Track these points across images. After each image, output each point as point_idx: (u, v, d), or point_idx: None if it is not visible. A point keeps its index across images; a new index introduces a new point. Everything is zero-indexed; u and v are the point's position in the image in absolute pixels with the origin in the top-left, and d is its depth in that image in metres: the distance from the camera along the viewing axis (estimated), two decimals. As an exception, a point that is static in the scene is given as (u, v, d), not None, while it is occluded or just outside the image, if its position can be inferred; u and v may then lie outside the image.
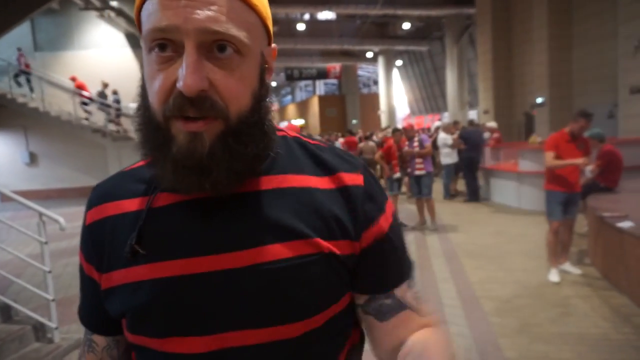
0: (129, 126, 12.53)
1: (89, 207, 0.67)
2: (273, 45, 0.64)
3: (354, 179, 0.64)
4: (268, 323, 0.57)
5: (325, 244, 0.59)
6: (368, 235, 0.63)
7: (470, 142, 8.67)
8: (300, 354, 0.60)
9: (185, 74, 0.50)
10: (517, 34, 15.50)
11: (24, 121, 12.63)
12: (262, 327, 0.57)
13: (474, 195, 8.87)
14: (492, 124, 11.08)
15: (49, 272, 3.23)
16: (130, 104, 12.36)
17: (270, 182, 0.62)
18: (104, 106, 12.23)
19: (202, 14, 0.50)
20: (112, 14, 12.14)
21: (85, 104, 12.32)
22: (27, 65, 12.20)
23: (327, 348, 0.63)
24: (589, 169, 5.07)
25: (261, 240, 0.58)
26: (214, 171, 0.54)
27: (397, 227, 0.68)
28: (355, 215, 0.62)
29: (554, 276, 4.12)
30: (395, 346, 0.65)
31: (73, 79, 12.27)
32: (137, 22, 0.58)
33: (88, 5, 11.49)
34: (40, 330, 3.26)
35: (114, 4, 11.87)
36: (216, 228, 0.59)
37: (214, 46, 0.52)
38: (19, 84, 12.20)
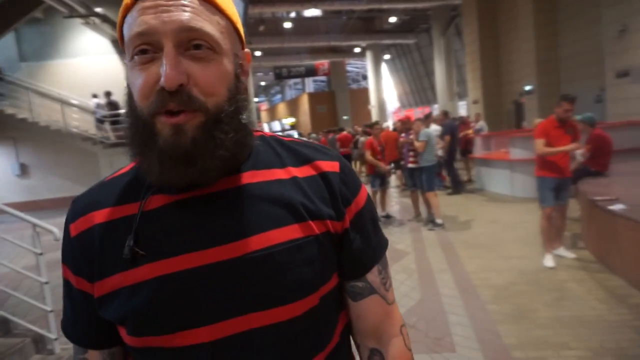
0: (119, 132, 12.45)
1: (73, 219, 0.67)
2: (246, 50, 0.68)
3: (331, 166, 0.70)
4: (271, 304, 0.60)
5: (313, 225, 0.64)
6: (347, 215, 0.69)
7: (447, 133, 8.56)
8: (303, 333, 0.64)
9: (165, 70, 0.54)
10: (503, 23, 15.57)
11: (13, 133, 12.52)
12: (265, 309, 0.60)
13: (459, 186, 8.79)
14: (463, 113, 11.17)
15: (46, 283, 3.22)
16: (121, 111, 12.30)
17: (255, 176, 0.66)
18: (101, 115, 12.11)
19: (178, 15, 0.55)
20: (97, 21, 12.00)
21: (101, 122, 12.06)
22: None
23: (324, 326, 0.68)
24: (580, 153, 5.12)
25: (254, 229, 0.61)
26: (199, 160, 0.57)
27: (370, 210, 0.73)
28: (335, 197, 0.68)
29: (549, 261, 4.17)
30: (363, 331, 0.74)
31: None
32: (119, 38, 0.61)
33: (72, 13, 11.35)
34: (40, 342, 3.25)
35: (98, 10, 11.75)
36: (210, 223, 0.61)
37: (191, 45, 0.56)
38: None
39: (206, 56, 0.57)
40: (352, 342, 0.78)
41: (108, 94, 12.22)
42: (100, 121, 12.18)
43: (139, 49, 0.56)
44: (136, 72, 0.57)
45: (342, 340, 0.72)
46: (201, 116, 0.57)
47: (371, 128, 7.18)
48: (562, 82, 13.03)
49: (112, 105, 12.18)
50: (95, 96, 12.23)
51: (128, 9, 0.58)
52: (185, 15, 0.55)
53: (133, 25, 0.56)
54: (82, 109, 12.57)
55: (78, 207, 0.68)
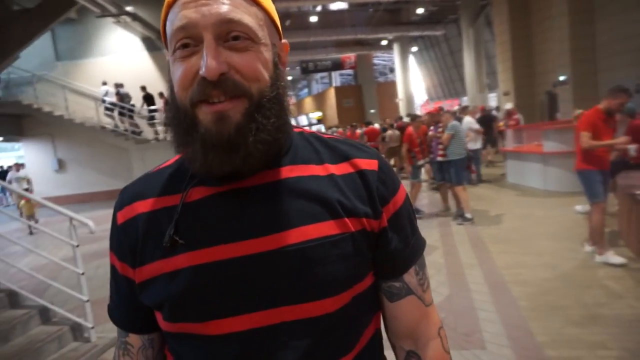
0: (145, 127, 12.74)
1: (120, 208, 0.70)
2: (284, 40, 0.69)
3: (369, 164, 0.69)
4: (304, 299, 0.61)
5: (349, 222, 0.64)
6: (385, 214, 0.68)
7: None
8: (334, 331, 0.64)
9: (206, 60, 0.56)
10: (536, 12, 15.05)
11: (50, 129, 13.04)
12: (298, 303, 0.60)
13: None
14: (509, 105, 10.95)
15: (82, 274, 3.34)
16: (151, 107, 12.59)
17: (293, 171, 0.66)
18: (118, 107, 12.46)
19: (217, 8, 0.57)
20: (128, 19, 12.31)
21: (109, 109, 12.56)
22: None
23: (356, 326, 0.67)
24: (634, 148, 4.82)
25: (290, 223, 0.62)
26: (242, 146, 0.58)
27: (407, 210, 0.73)
28: (372, 196, 0.67)
29: (615, 259, 3.89)
30: (400, 332, 0.73)
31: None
32: (162, 35, 0.64)
33: (104, 12, 11.68)
34: (77, 330, 3.38)
35: (129, 9, 12.04)
36: (249, 215, 0.63)
37: (230, 37, 0.58)
38: None
39: (245, 46, 0.59)
40: (385, 347, 0.76)
41: (118, 86, 12.53)
42: (109, 109, 12.53)
43: (181, 43, 0.58)
44: (177, 65, 0.59)
45: (371, 344, 0.71)
46: (245, 102, 0.58)
47: (412, 121, 7.13)
48: (598, 71, 12.50)
49: (120, 96, 12.50)
50: (104, 83, 12.53)
51: (170, 5, 0.60)
52: (224, 8, 0.57)
53: (175, 20, 0.58)
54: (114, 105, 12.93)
55: (125, 197, 0.71)
